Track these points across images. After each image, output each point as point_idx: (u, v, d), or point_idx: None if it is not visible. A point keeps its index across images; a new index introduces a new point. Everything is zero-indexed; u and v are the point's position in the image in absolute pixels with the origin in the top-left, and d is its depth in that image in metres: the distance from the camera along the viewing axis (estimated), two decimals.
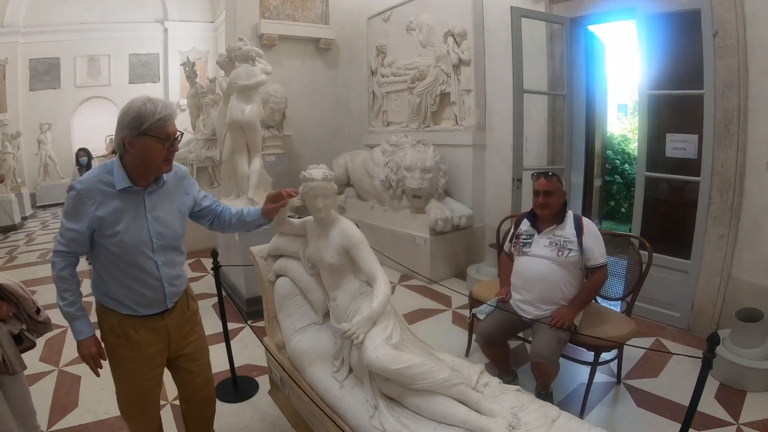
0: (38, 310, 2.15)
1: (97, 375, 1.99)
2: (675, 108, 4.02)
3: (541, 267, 2.80)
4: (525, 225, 2.98)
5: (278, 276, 2.86)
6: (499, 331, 2.91)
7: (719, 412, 2.84)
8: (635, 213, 4.08)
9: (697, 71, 3.50)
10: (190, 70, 7.62)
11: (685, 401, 2.82)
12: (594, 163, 5.46)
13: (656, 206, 4.18)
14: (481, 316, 3.04)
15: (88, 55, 12.46)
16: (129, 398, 2.12)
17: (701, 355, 1.87)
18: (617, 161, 7.42)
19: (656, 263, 3.71)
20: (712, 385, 3.07)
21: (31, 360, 3.63)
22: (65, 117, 12.10)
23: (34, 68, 11.86)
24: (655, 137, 4.00)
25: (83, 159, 6.64)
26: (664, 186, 4.17)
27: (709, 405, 2.88)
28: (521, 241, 2.94)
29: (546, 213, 2.86)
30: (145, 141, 1.78)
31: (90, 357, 1.94)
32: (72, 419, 3.01)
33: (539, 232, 2.88)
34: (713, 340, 1.83)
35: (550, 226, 2.85)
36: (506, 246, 3.16)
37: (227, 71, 5.10)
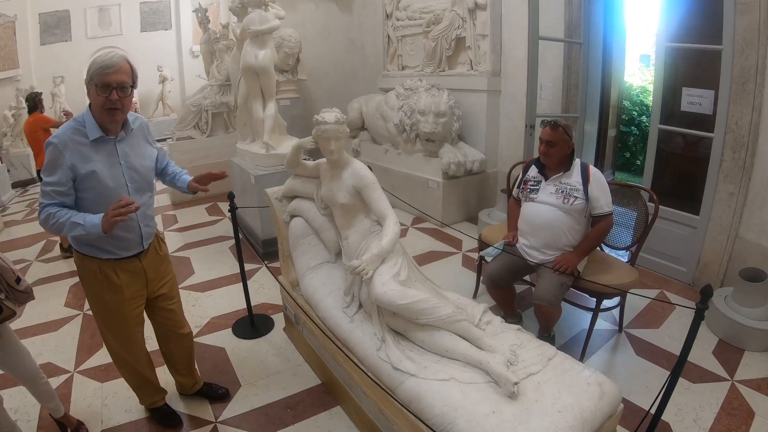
0: (18, 279, 2.16)
1: (136, 208, 1.90)
2: (693, 62, 3.91)
3: (547, 213, 2.84)
4: (533, 171, 3.00)
5: (292, 216, 2.97)
6: (505, 273, 3.00)
7: (716, 367, 2.91)
8: (647, 165, 4.06)
9: (717, 26, 3.39)
10: (202, 16, 7.50)
11: None
12: (609, 113, 5.40)
13: (669, 160, 4.15)
14: (489, 259, 3.12)
15: (98, 5, 12.20)
16: (117, 339, 2.33)
17: (694, 306, 1.91)
18: (634, 112, 7.28)
19: (666, 217, 3.75)
20: (710, 341, 3.15)
21: (57, 306, 3.94)
22: (78, 69, 11.92)
23: (45, 22, 11.64)
24: (671, 90, 3.93)
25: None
26: (678, 140, 4.12)
27: (706, 360, 2.96)
28: (528, 187, 2.98)
29: (547, 162, 2.88)
30: (91, 88, 1.92)
31: (114, 212, 1.84)
32: (97, 359, 3.20)
33: (546, 179, 2.90)
34: (706, 292, 1.86)
35: (557, 173, 2.86)
36: (515, 191, 3.20)
37: (240, 17, 5.04)
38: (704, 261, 3.75)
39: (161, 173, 2.49)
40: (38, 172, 5.12)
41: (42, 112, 5.29)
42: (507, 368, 1.89)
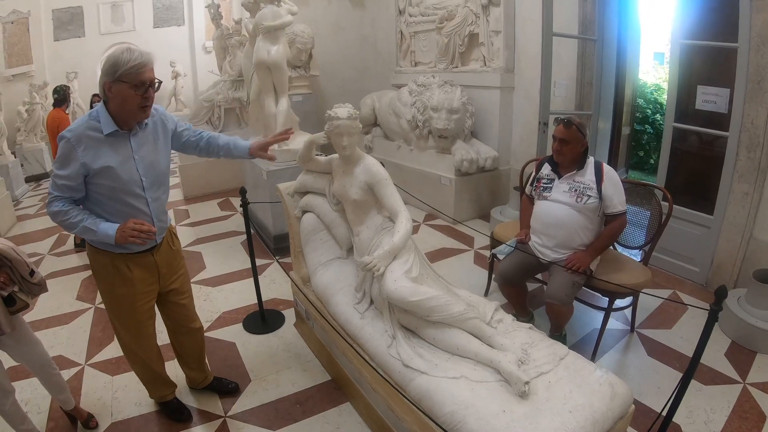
0: (32, 272, 2.19)
1: (153, 234, 2.03)
2: (708, 59, 3.86)
3: (560, 212, 2.81)
4: (546, 169, 2.98)
5: (304, 212, 2.97)
6: (517, 271, 2.98)
7: (727, 369, 2.87)
8: (661, 163, 4.02)
9: (733, 23, 3.33)
10: (215, 11, 7.52)
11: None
12: (623, 111, 5.34)
13: (683, 158, 4.09)
14: (501, 257, 3.11)
15: (111, 1, 12.27)
16: (128, 333, 2.34)
17: (708, 307, 1.88)
18: (648, 111, 7.21)
19: (679, 216, 3.71)
20: (723, 343, 3.10)
21: (69, 299, 3.99)
22: (91, 65, 12.05)
23: (58, 18, 11.70)
24: (686, 88, 3.87)
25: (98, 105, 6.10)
26: (692, 138, 4.06)
27: (718, 361, 2.92)
28: (542, 185, 2.95)
29: (560, 160, 2.85)
30: (120, 87, 1.89)
31: (132, 230, 1.95)
32: (108, 352, 3.23)
33: (559, 177, 2.87)
34: (720, 293, 1.83)
35: (570, 171, 2.83)
36: (527, 189, 3.17)
37: (252, 13, 5.04)
38: (718, 261, 3.70)
39: (199, 147, 2.45)
40: None
41: (67, 107, 5.34)
42: (518, 367, 1.87)
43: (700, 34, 3.72)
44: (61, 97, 5.32)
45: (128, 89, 1.89)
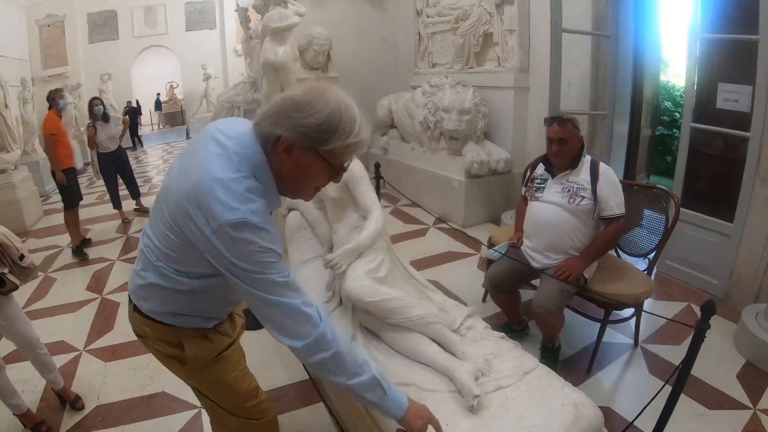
0: (22, 257, 2.34)
1: None
2: (729, 54, 3.59)
3: (551, 213, 2.65)
4: (540, 169, 2.82)
5: (290, 210, 2.99)
6: (507, 277, 2.83)
7: (738, 392, 2.61)
8: (678, 166, 3.79)
9: (753, 14, 3.11)
10: (242, 15, 7.64)
11: (704, 375, 2.62)
12: (642, 112, 5.08)
13: (702, 161, 3.84)
14: (493, 258, 2.97)
15: (145, 5, 12.73)
16: (245, 406, 1.81)
17: (693, 325, 1.72)
18: (677, 114, 6.86)
19: (697, 223, 3.52)
20: (736, 362, 2.84)
21: (78, 289, 4.21)
22: (125, 67, 12.50)
23: (93, 22, 12.24)
24: (706, 86, 3.63)
25: (98, 108, 5.41)
26: (714, 140, 3.80)
27: (728, 383, 2.66)
28: (534, 185, 2.80)
29: (559, 162, 2.68)
30: (312, 159, 1.24)
31: (429, 419, 1.41)
32: (105, 340, 3.37)
33: (553, 176, 2.72)
34: (708, 309, 1.68)
35: (564, 171, 2.67)
36: (522, 190, 3.03)
37: (263, 14, 5.08)
38: (737, 273, 3.44)
39: None
40: (52, 173, 5.05)
41: (58, 112, 5.11)
42: (474, 379, 1.76)
43: (720, 27, 3.49)
44: (48, 99, 5.17)
45: (322, 167, 1.27)
